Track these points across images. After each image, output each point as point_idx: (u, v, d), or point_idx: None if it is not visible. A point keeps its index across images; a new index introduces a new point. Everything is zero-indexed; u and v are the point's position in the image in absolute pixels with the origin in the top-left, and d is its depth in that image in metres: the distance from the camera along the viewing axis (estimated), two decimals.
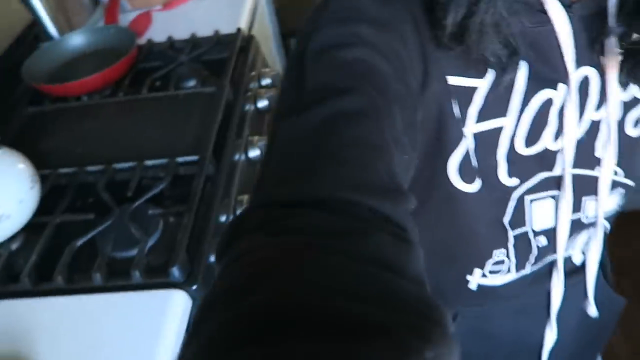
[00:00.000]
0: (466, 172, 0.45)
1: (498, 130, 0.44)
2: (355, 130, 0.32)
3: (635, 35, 0.41)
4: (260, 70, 1.18)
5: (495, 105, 0.43)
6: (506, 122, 0.44)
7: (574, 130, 0.45)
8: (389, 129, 0.33)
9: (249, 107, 1.06)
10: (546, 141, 0.45)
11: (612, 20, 0.41)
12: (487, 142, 0.44)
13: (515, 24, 0.38)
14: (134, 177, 0.83)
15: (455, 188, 0.45)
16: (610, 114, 0.45)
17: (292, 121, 0.33)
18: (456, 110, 0.42)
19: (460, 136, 0.43)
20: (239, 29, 1.17)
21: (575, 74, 0.43)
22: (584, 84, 0.45)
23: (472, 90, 0.42)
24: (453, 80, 0.42)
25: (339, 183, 0.29)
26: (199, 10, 1.34)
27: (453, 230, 0.50)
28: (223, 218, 0.81)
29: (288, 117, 0.34)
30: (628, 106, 0.47)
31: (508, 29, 0.38)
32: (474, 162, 0.44)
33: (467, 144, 0.43)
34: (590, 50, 0.43)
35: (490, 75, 0.42)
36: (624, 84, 0.45)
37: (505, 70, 0.40)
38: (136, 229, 0.74)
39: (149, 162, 0.86)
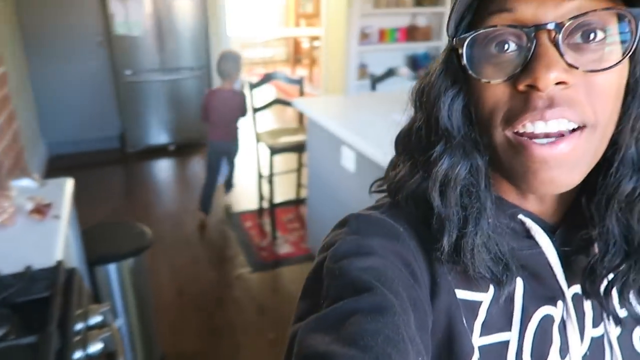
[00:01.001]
0: None
1: (504, 345, 0.44)
2: (373, 325, 0.34)
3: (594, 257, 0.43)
4: (87, 307, 1.00)
5: (499, 319, 0.44)
6: (510, 337, 0.44)
7: (578, 347, 0.45)
8: (405, 326, 0.35)
9: (79, 355, 0.86)
10: (553, 358, 0.45)
11: (593, 244, 0.44)
12: (493, 356, 0.44)
13: (502, 244, 0.42)
14: None
15: None
16: (608, 331, 0.46)
17: (313, 319, 0.36)
18: (465, 322, 0.43)
19: (471, 349, 0.42)
20: (59, 262, 1.00)
21: (568, 292, 0.45)
22: (579, 302, 0.46)
23: (477, 303, 0.44)
24: (460, 293, 0.43)
25: None
26: None
27: None
28: None
29: (309, 315, 0.36)
30: (630, 323, 0.47)
31: (497, 247, 0.42)
32: None
33: (476, 357, 0.43)
34: (578, 270, 0.45)
35: (492, 289, 0.44)
36: (622, 302, 0.45)
37: (502, 284, 0.42)
38: None
39: None
